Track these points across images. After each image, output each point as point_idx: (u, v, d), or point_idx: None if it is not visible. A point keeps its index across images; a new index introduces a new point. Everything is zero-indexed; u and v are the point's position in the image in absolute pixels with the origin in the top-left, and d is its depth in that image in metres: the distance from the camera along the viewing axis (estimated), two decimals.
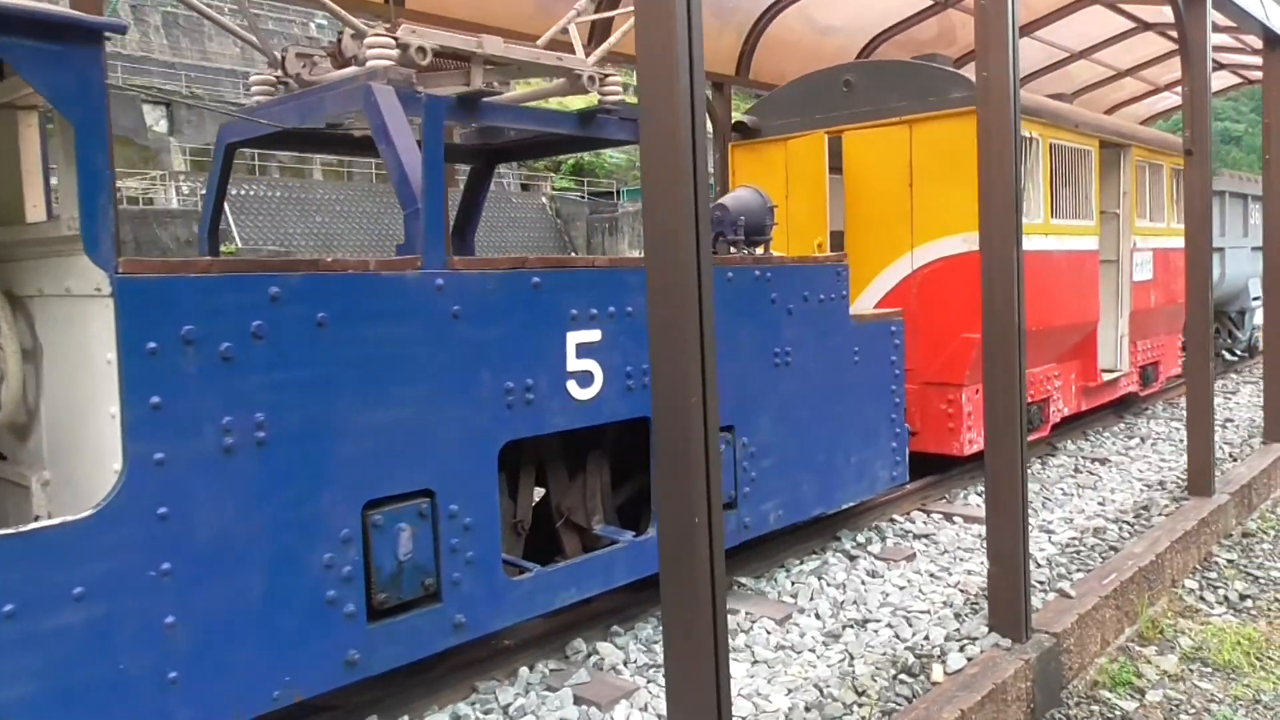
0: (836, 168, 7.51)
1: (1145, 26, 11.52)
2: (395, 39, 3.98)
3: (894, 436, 6.12)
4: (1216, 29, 9.90)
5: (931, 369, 7.09)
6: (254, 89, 4.69)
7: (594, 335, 4.18)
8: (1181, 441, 9.11)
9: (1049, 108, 7.65)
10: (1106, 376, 8.91)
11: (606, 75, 4.83)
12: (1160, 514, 6.64)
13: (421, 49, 4.03)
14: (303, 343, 3.23)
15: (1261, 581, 6.12)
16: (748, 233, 6.01)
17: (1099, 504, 7.00)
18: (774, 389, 5.17)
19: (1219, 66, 12.87)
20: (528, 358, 3.93)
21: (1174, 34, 10.56)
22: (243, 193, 56.44)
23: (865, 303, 7.32)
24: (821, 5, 9.46)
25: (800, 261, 5.41)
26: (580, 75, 4.63)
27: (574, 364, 4.11)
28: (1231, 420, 10.12)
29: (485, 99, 4.26)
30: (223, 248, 45.90)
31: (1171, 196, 10.25)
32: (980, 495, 7.22)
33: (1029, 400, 7.80)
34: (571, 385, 4.10)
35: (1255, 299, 13.30)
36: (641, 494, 4.80)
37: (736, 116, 8.00)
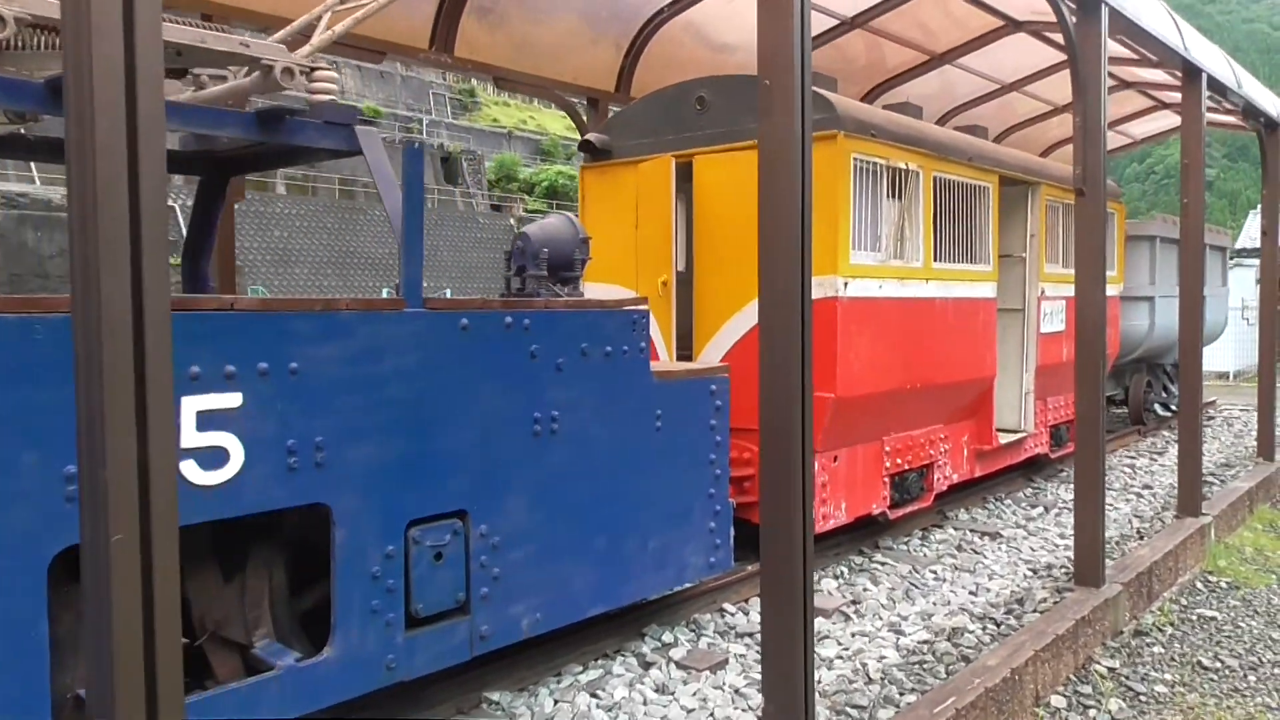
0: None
1: (1124, 85, 10.79)
2: None
3: (712, 515, 5.15)
4: (1151, 64, 9.15)
5: None
6: None
7: (229, 400, 3.19)
8: None
9: (933, 137, 6.78)
10: (1005, 438, 8.00)
11: (315, 69, 3.88)
12: (1035, 609, 5.70)
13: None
14: None
15: (1142, 699, 5.16)
16: (552, 268, 5.07)
17: (970, 593, 6.04)
18: (531, 463, 4.19)
19: (1160, 106, 12.13)
20: None
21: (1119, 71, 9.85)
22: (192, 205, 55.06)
23: (712, 354, 6.38)
24: (715, 19, 8.60)
25: (577, 307, 4.44)
26: (272, 67, 3.68)
27: (193, 438, 3.10)
28: (1151, 487, 9.25)
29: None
30: (173, 260, 45.21)
31: None
32: (839, 579, 6.26)
33: (908, 467, 6.88)
34: (189, 466, 3.09)
35: None
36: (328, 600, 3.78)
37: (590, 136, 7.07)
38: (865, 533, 7.02)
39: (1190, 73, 7.86)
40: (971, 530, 7.46)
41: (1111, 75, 10.59)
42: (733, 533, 5.31)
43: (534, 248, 5.05)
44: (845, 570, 6.39)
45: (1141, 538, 7.50)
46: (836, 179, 5.79)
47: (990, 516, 7.96)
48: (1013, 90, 11.25)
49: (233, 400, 3.19)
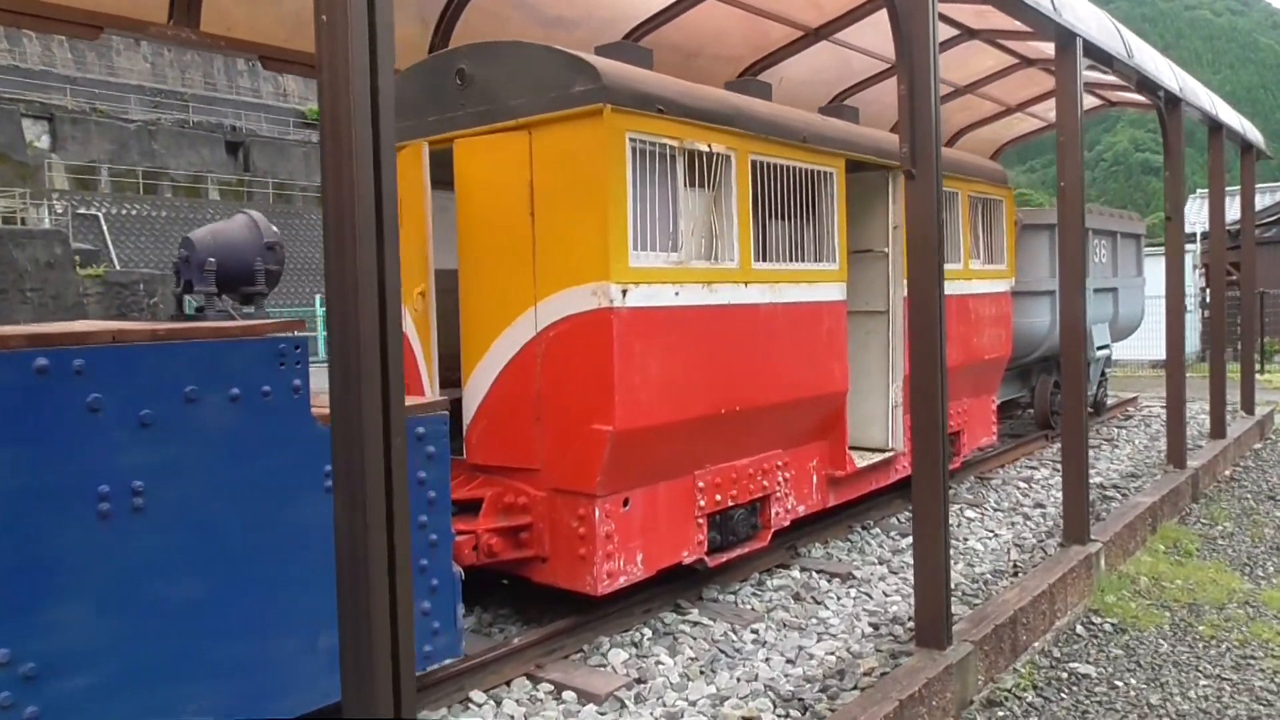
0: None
1: (1027, 63, 9.80)
2: None
3: (426, 593, 4.05)
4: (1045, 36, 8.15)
5: (559, 471, 5.04)
6: None
7: None
8: (967, 540, 7.23)
9: (748, 113, 5.71)
10: (869, 459, 6.98)
11: None
12: (856, 684, 4.66)
13: None
14: None
15: None
16: (226, 282, 3.95)
17: (789, 661, 4.99)
18: (98, 558, 3.05)
19: None
20: None
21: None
22: (123, 212, 53.24)
23: (481, 380, 5.27)
24: None
25: (174, 336, 3.30)
26: None
27: None
28: (1044, 506, 8.30)
29: None
30: (94, 269, 42.81)
31: (971, 231, 8.45)
32: (635, 648, 5.18)
33: (732, 503, 5.83)
34: None
35: (1100, 349, 11.65)
36: None
37: None
38: (688, 582, 5.96)
39: (1063, 38, 6.89)
40: (820, 571, 6.43)
41: (1011, 52, 9.66)
42: (461, 611, 4.22)
43: (199, 258, 3.98)
44: (648, 634, 5.32)
45: (1016, 573, 6.52)
46: (604, 164, 4.72)
47: (850, 551, 6.94)
48: (967, 93, 10.23)
49: None
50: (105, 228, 48.38)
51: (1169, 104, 9.51)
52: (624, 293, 4.80)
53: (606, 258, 4.72)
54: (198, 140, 50.04)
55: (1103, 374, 12.21)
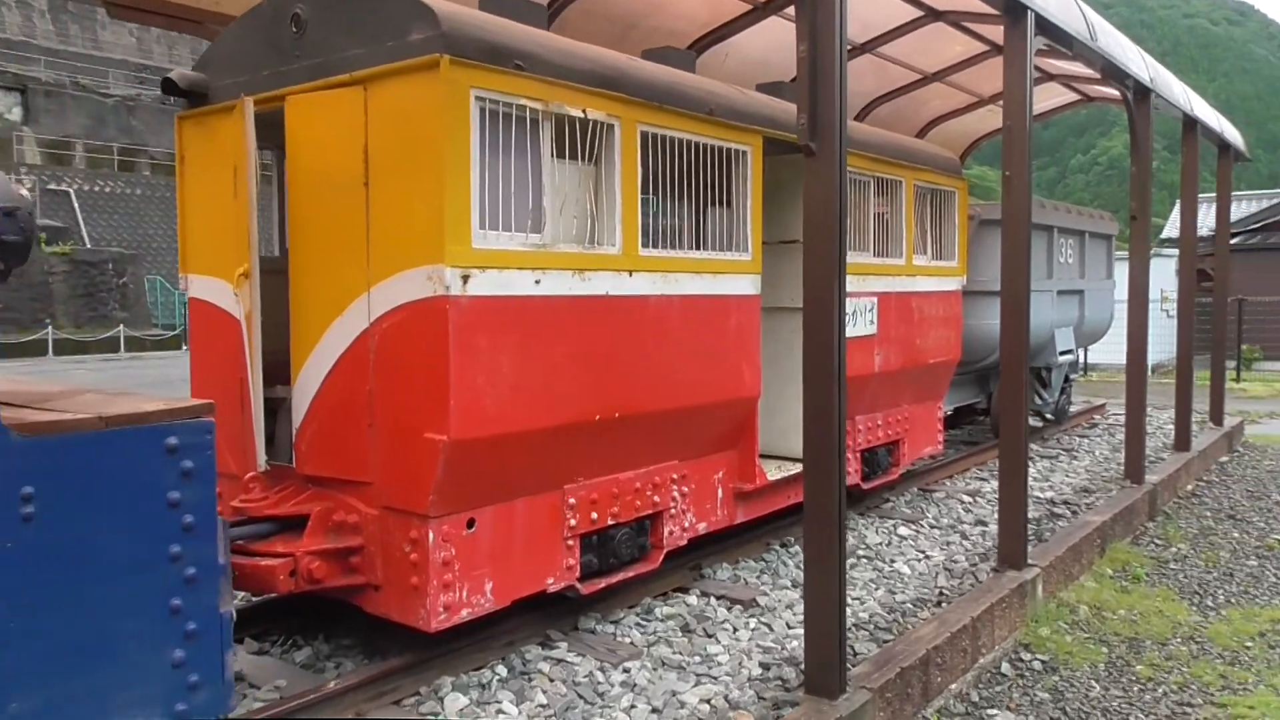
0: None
1: (997, 49, 9.09)
2: None
3: (181, 638, 3.34)
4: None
5: (391, 486, 4.34)
6: None
7: None
8: (894, 562, 6.56)
9: (635, 74, 5.00)
10: (780, 473, 6.30)
11: None
12: None
13: None
14: None
15: None
16: None
17: (654, 711, 4.30)
18: None
19: (1046, 77, 10.45)
20: None
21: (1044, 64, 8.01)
22: (97, 189, 52.07)
23: (311, 377, 4.55)
24: None
25: None
26: None
27: None
28: (986, 524, 7.63)
29: None
30: (60, 247, 41.67)
31: (916, 223, 7.76)
32: (480, 690, 4.49)
33: (613, 521, 5.13)
34: None
35: (1064, 353, 11.00)
36: None
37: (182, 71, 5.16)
38: (566, 608, 5.27)
39: (1012, 10, 6.20)
40: (722, 597, 5.74)
41: (979, 37, 8.95)
42: (231, 658, 3.51)
43: None
44: (502, 673, 4.62)
45: (940, 603, 5.86)
46: (441, 125, 4.00)
47: (761, 573, 6.26)
48: (934, 81, 9.54)
49: None
50: (76, 204, 47.34)
51: (1138, 95, 8.84)
52: (464, 279, 4.09)
53: (441, 237, 4.01)
54: None
55: (1066, 380, 11.57)
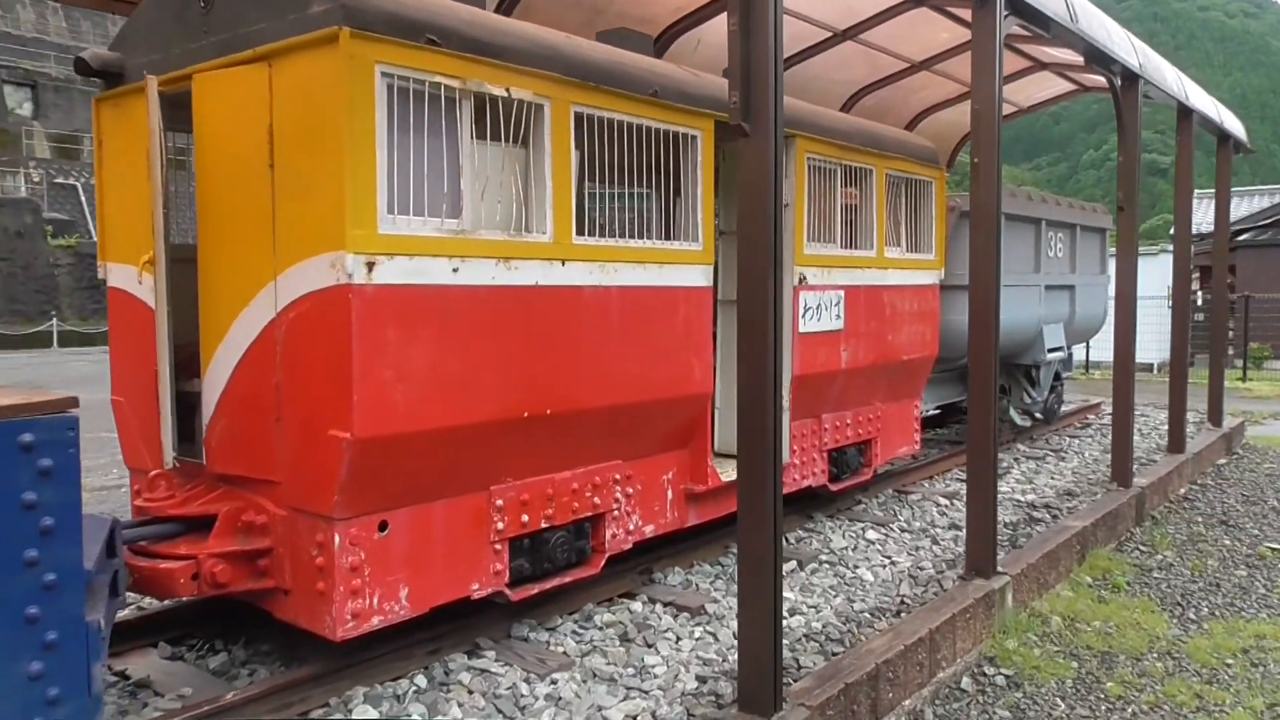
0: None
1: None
2: None
3: (38, 649, 3.09)
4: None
5: (298, 486, 4.09)
6: None
7: None
8: (858, 568, 6.28)
9: (568, 51, 4.72)
10: (733, 474, 6.00)
11: None
12: None
13: None
14: None
15: None
16: None
17: None
18: None
19: (1038, 65, 10.12)
20: None
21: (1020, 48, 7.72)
22: None
23: (219, 369, 4.30)
24: None
25: None
26: None
27: None
28: (958, 529, 7.32)
29: None
30: (66, 240, 41.75)
31: (889, 214, 7.46)
32: (389, 704, 4.24)
33: (547, 523, 4.87)
34: None
35: (1053, 350, 10.66)
36: None
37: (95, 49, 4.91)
38: (500, 613, 5.02)
39: None
40: (669, 604, 5.47)
41: (965, 22, 8.64)
42: (100, 670, 3.27)
43: None
44: (422, 684, 4.37)
45: (900, 612, 5.57)
46: (343, 103, 3.74)
47: (716, 579, 5.99)
48: (922, 69, 9.24)
49: None
50: (83, 198, 47.41)
51: (1125, 81, 8.51)
52: (369, 266, 3.83)
53: (343, 222, 3.75)
54: None
55: (1057, 378, 11.23)
